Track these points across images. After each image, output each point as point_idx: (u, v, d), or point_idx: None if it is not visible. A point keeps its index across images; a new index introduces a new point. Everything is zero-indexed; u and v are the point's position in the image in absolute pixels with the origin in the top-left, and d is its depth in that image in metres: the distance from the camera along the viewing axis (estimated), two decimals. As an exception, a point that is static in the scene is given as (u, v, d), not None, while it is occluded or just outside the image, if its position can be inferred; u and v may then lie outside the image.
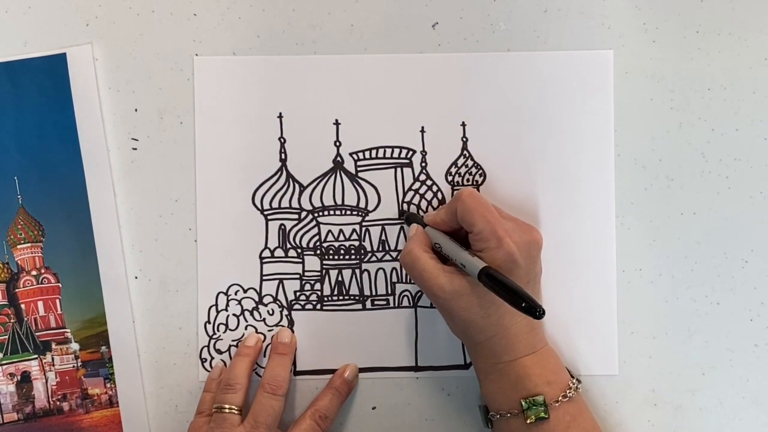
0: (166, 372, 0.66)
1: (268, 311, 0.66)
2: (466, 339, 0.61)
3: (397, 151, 0.66)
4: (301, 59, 0.66)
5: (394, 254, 0.66)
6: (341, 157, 0.66)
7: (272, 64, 0.66)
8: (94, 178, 0.66)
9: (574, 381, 0.60)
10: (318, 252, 0.67)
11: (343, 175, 0.66)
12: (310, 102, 0.66)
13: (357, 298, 0.66)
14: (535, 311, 0.52)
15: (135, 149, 0.66)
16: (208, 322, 0.66)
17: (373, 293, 0.66)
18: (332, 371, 0.66)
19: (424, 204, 0.66)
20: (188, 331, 0.66)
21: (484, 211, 0.59)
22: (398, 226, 0.66)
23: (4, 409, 0.67)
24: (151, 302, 0.66)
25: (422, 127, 0.66)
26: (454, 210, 0.60)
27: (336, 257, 0.67)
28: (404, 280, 0.66)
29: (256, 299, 0.66)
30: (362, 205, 0.66)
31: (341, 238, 0.66)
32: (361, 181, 0.66)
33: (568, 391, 0.59)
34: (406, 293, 0.66)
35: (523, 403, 0.58)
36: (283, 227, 0.66)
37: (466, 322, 0.59)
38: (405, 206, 0.66)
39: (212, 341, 0.66)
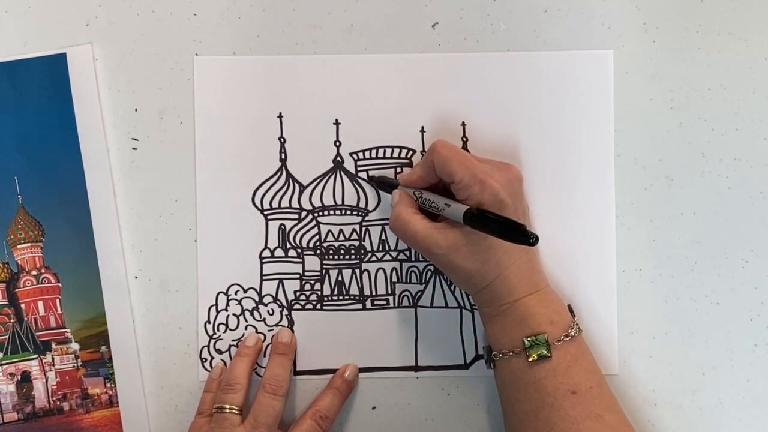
0: (166, 372, 0.66)
1: (268, 311, 0.66)
2: (470, 288, 0.61)
3: (397, 151, 0.66)
4: (301, 59, 0.66)
5: (394, 254, 0.66)
6: (341, 157, 0.66)
7: (272, 64, 0.66)
8: (94, 178, 0.66)
9: (576, 322, 0.60)
10: (318, 252, 0.66)
11: (343, 175, 0.66)
12: (310, 102, 0.66)
13: (357, 298, 0.66)
14: (528, 238, 0.53)
15: (135, 149, 0.66)
16: (208, 322, 0.66)
17: (373, 293, 0.66)
18: (332, 371, 0.66)
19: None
20: (188, 331, 0.66)
21: (461, 158, 0.59)
22: (398, 226, 0.66)
23: (4, 409, 0.67)
24: (151, 302, 0.66)
25: (422, 127, 0.66)
26: (431, 164, 0.60)
27: (336, 257, 0.66)
28: (404, 280, 0.66)
29: (256, 299, 0.66)
30: (362, 205, 0.66)
31: (341, 238, 0.66)
32: (361, 181, 0.66)
33: (570, 331, 0.59)
34: (406, 293, 0.66)
35: (526, 341, 0.58)
36: (283, 227, 0.66)
37: (468, 271, 0.59)
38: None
39: (212, 341, 0.66)
